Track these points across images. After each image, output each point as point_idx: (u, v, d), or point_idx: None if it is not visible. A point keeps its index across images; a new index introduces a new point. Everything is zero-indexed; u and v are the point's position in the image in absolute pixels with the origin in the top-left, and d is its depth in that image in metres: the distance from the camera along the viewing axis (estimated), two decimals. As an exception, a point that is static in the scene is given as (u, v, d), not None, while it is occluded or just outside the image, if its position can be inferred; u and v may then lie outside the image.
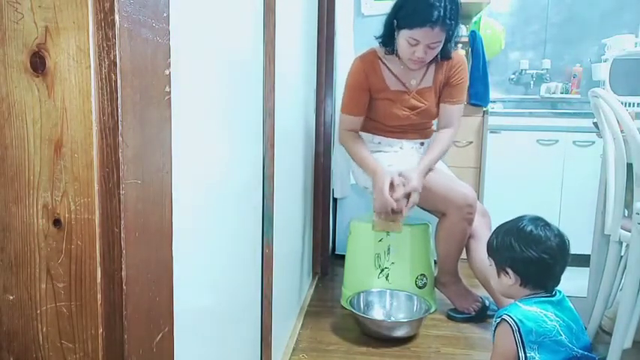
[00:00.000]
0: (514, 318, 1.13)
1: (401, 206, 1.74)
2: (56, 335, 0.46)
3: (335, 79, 2.36)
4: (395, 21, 1.76)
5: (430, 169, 1.83)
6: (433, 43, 1.70)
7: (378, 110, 1.90)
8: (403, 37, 1.73)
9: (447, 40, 1.77)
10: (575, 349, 1.13)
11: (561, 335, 1.12)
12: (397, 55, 1.83)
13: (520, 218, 1.25)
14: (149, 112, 0.48)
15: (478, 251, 1.87)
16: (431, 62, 1.86)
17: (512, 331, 1.12)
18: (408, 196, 1.75)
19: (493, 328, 1.21)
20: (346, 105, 1.91)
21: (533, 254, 1.17)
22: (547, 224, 1.21)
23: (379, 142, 1.96)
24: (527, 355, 1.10)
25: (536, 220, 1.22)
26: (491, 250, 1.27)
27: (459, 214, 1.81)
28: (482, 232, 1.90)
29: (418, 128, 1.96)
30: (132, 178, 0.45)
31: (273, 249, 1.22)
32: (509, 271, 1.21)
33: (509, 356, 1.13)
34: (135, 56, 0.44)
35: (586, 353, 1.14)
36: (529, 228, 1.20)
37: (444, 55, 1.82)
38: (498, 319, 1.18)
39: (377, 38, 1.86)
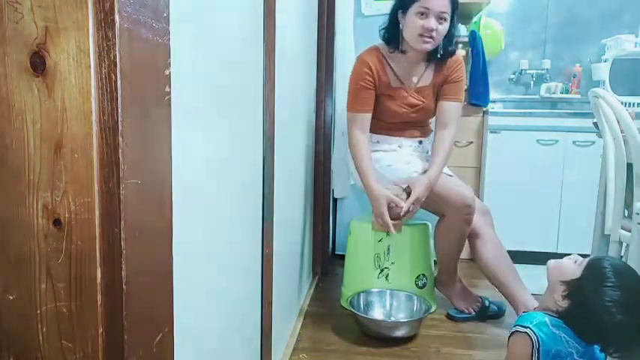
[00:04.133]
0: (538, 335, 1.12)
1: (400, 217, 1.77)
2: (56, 335, 0.46)
3: (335, 79, 2.36)
4: (400, 10, 1.79)
5: (435, 179, 1.83)
6: (442, 13, 1.72)
7: (378, 106, 1.90)
8: (412, 14, 1.74)
9: (448, 38, 1.80)
10: None
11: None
12: (401, 51, 1.84)
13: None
14: (149, 112, 0.48)
15: (485, 251, 1.88)
16: (430, 61, 1.87)
17: (533, 347, 1.12)
18: (408, 195, 1.77)
19: (511, 332, 1.19)
20: (353, 102, 1.89)
21: (612, 334, 1.09)
22: None
23: (377, 141, 1.96)
24: None
25: None
26: (582, 283, 1.14)
27: (458, 215, 1.81)
28: (486, 230, 1.90)
29: (416, 126, 1.97)
30: (132, 178, 0.45)
31: (273, 249, 1.22)
32: (566, 303, 1.14)
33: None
34: (135, 56, 0.44)
35: None
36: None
37: (445, 52, 1.82)
38: (522, 329, 1.16)
39: (381, 29, 1.87)
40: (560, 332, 1.14)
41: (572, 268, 1.17)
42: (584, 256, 1.20)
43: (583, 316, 1.12)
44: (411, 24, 1.75)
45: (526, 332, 1.14)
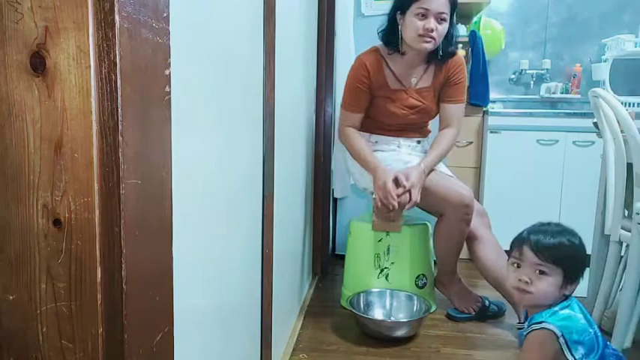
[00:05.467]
0: (557, 325, 1.12)
1: (403, 203, 1.75)
2: (56, 335, 0.46)
3: (335, 79, 2.36)
4: (398, 11, 1.79)
5: (432, 169, 1.84)
6: (441, 13, 1.73)
7: (377, 108, 1.90)
8: (411, 15, 1.75)
9: (448, 39, 1.80)
10: (602, 345, 1.14)
11: (592, 332, 1.13)
12: (400, 52, 1.84)
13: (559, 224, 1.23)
14: (149, 112, 0.48)
15: (483, 253, 1.88)
16: (431, 62, 1.87)
17: (557, 337, 1.11)
18: (408, 194, 1.76)
19: (525, 333, 1.18)
20: (347, 102, 1.91)
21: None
22: None
23: (376, 141, 1.96)
24: (574, 354, 1.10)
25: None
26: (573, 256, 1.19)
27: (457, 215, 1.81)
28: (483, 232, 1.90)
29: (415, 127, 1.97)
30: (132, 178, 0.45)
31: (273, 249, 1.22)
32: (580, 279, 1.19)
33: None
34: (135, 56, 0.44)
35: (612, 350, 1.15)
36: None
37: (445, 53, 1.82)
38: (537, 327, 1.15)
39: (379, 32, 1.88)
40: (566, 310, 1.15)
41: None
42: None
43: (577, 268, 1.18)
44: (410, 25, 1.75)
45: (544, 328, 1.13)
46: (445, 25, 1.76)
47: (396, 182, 1.76)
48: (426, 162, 1.82)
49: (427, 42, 1.75)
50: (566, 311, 1.15)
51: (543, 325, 1.14)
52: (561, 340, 1.11)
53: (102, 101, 0.43)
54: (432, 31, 1.73)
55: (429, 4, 1.71)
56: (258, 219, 1.12)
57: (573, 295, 1.21)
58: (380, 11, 2.39)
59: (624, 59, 2.89)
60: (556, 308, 1.16)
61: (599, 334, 1.16)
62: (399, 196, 1.75)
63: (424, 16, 1.73)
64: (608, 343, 1.17)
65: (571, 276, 1.17)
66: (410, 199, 1.75)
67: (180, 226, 0.59)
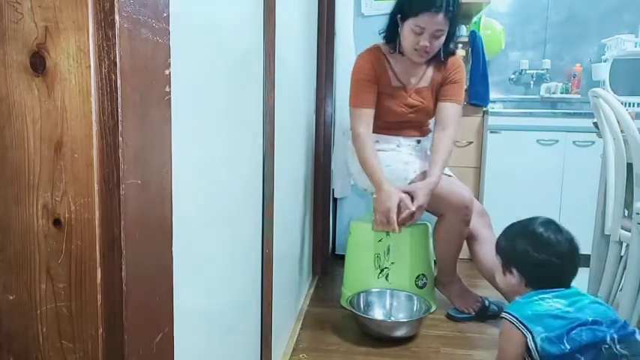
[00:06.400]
0: (510, 312, 1.17)
1: (404, 221, 1.75)
2: (56, 335, 0.46)
3: (335, 79, 2.36)
4: (399, 15, 1.79)
5: (436, 184, 1.81)
6: (437, 31, 1.72)
7: (377, 105, 1.90)
8: (408, 27, 1.75)
9: (448, 38, 1.80)
10: (583, 318, 1.10)
11: (560, 308, 1.13)
12: (400, 52, 1.84)
13: (532, 220, 1.26)
14: (149, 112, 0.48)
15: (483, 253, 1.88)
16: (430, 62, 1.87)
17: (514, 322, 1.14)
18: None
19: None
20: (355, 97, 1.89)
21: (543, 257, 1.18)
22: (558, 228, 1.22)
23: (377, 141, 1.95)
24: (532, 330, 1.11)
25: (548, 223, 1.23)
26: (500, 248, 1.30)
27: (457, 216, 1.81)
28: (483, 232, 1.90)
29: (415, 126, 1.98)
30: (132, 178, 0.45)
31: (273, 249, 1.22)
32: (514, 271, 1.24)
33: (517, 349, 1.14)
34: (135, 56, 0.44)
35: (598, 319, 1.10)
36: (540, 230, 1.21)
37: (446, 52, 1.83)
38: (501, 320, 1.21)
39: (380, 33, 1.88)
40: (533, 297, 1.17)
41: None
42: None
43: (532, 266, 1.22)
44: (407, 36, 1.77)
45: (502, 318, 1.19)
46: (442, 39, 1.77)
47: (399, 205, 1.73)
48: (431, 180, 1.78)
49: (421, 56, 1.78)
50: (528, 299, 1.17)
51: (502, 316, 1.20)
52: (518, 323, 1.13)
53: (102, 101, 0.43)
54: (426, 47, 1.74)
55: (425, 23, 1.71)
56: (258, 219, 1.12)
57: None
58: (380, 11, 2.39)
59: (624, 59, 2.89)
60: (519, 299, 1.21)
61: (582, 317, 1.11)
62: (402, 220, 1.74)
63: (419, 33, 1.73)
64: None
65: (506, 264, 1.27)
66: (412, 217, 1.74)
67: (180, 227, 0.59)
